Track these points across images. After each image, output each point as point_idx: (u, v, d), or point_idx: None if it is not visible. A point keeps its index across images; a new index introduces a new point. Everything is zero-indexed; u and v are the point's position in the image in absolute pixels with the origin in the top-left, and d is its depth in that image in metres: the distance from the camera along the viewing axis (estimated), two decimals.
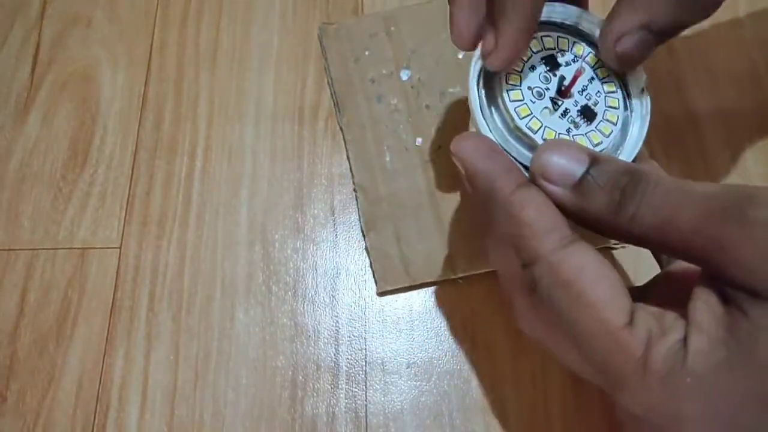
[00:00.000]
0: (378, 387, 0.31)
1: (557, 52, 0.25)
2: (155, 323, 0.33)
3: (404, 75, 0.37)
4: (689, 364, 0.17)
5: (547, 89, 0.24)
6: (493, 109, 0.24)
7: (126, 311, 0.33)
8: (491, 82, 0.25)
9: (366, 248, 0.34)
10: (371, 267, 0.34)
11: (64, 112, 0.38)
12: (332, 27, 0.39)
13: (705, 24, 0.39)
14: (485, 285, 0.33)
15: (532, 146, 0.24)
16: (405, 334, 0.32)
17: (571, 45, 0.25)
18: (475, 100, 0.24)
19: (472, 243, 0.33)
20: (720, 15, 0.39)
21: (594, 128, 0.24)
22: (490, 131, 0.24)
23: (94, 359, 0.32)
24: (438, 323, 0.33)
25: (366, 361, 0.32)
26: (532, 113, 0.24)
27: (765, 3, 0.39)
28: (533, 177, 0.21)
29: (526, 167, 0.23)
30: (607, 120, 0.24)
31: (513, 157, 0.23)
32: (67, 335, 0.33)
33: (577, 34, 0.26)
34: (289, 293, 0.33)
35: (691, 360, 0.17)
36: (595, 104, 0.24)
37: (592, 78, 0.25)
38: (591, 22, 0.25)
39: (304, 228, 0.35)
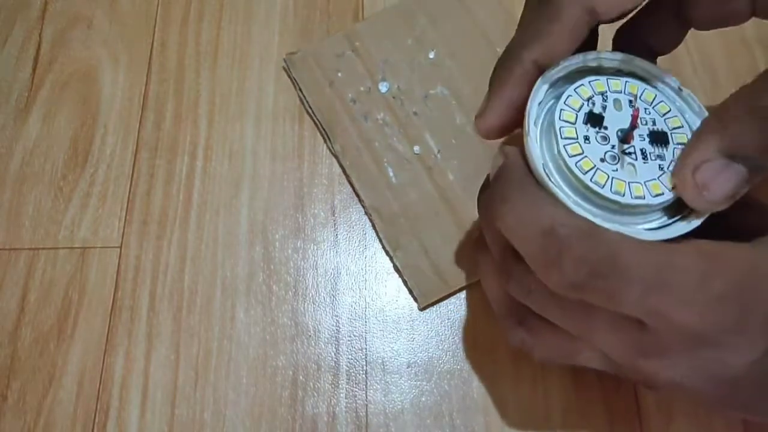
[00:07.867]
0: (378, 387, 0.31)
1: (590, 103, 0.24)
2: (156, 323, 0.33)
3: (383, 87, 0.37)
4: None
5: (614, 146, 0.23)
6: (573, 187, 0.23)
7: (126, 311, 0.33)
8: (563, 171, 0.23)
9: (396, 268, 0.33)
10: (406, 285, 0.33)
11: (64, 112, 0.38)
12: (297, 56, 0.38)
13: None
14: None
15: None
16: (405, 333, 0.32)
17: (606, 83, 0.24)
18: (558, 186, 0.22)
19: None
20: None
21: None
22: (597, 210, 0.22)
23: (94, 358, 0.32)
24: (438, 323, 0.33)
25: (366, 361, 0.32)
26: (626, 181, 0.22)
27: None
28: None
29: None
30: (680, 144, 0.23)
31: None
32: (68, 334, 0.33)
33: (596, 72, 0.25)
34: (290, 293, 0.33)
35: None
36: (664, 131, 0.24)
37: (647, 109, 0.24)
38: (606, 57, 0.25)
39: (304, 228, 0.35)
